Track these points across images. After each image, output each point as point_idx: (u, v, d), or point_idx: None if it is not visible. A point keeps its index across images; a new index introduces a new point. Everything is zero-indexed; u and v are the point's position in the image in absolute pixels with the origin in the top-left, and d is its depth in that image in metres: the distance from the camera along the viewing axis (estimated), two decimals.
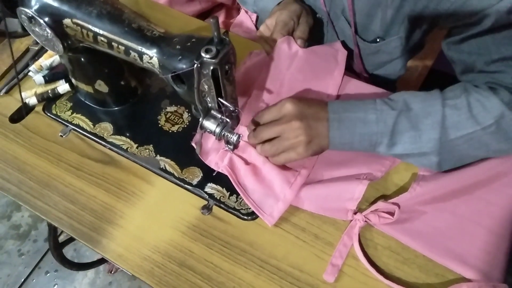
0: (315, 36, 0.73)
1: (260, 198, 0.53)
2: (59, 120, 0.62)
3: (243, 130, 0.56)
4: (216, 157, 0.56)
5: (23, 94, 0.62)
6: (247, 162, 0.55)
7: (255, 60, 0.66)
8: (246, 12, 0.84)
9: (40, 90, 0.63)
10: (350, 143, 0.51)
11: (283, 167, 0.55)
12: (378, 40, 0.64)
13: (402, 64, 0.70)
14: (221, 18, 0.94)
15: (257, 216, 0.53)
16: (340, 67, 0.63)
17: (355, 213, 0.52)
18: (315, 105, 0.52)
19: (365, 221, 0.51)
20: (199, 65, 0.42)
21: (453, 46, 0.56)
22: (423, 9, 0.56)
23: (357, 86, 0.63)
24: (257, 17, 0.83)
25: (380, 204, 0.52)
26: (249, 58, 0.67)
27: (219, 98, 0.46)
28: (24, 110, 0.62)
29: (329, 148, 0.52)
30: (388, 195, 0.55)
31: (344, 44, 0.68)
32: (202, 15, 0.94)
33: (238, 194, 0.54)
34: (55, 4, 0.47)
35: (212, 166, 0.56)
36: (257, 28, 0.82)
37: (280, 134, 0.51)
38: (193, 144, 0.57)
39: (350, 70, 0.76)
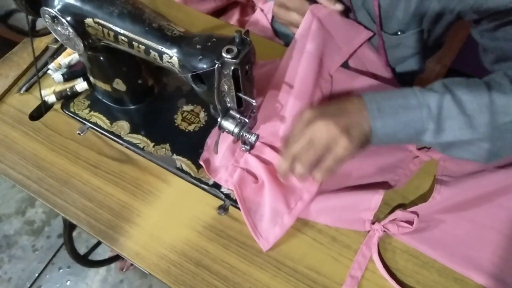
0: None
1: (260, 220, 0.52)
2: (77, 118, 0.62)
3: (260, 130, 0.55)
4: (225, 173, 0.55)
5: (42, 92, 0.62)
6: (255, 181, 0.54)
7: (259, 72, 0.64)
8: (262, 10, 0.84)
9: (58, 88, 0.64)
10: (394, 133, 0.47)
11: (286, 190, 0.53)
12: (399, 33, 0.63)
13: (421, 61, 0.69)
14: (236, 16, 0.93)
15: None
16: (354, 42, 0.62)
17: (373, 223, 0.51)
18: (336, 103, 0.49)
19: (384, 231, 0.51)
20: (220, 65, 0.42)
21: (487, 33, 0.54)
22: (447, 2, 0.54)
23: (370, 84, 0.62)
24: (273, 16, 0.82)
25: (399, 213, 0.51)
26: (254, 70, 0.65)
27: (239, 94, 0.45)
28: (43, 108, 0.63)
29: (373, 142, 0.47)
30: (407, 202, 0.54)
31: None
32: (217, 13, 0.93)
33: None
34: (78, 4, 0.47)
35: (222, 183, 0.55)
36: (272, 27, 0.82)
37: (309, 140, 0.47)
38: (201, 163, 0.56)
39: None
